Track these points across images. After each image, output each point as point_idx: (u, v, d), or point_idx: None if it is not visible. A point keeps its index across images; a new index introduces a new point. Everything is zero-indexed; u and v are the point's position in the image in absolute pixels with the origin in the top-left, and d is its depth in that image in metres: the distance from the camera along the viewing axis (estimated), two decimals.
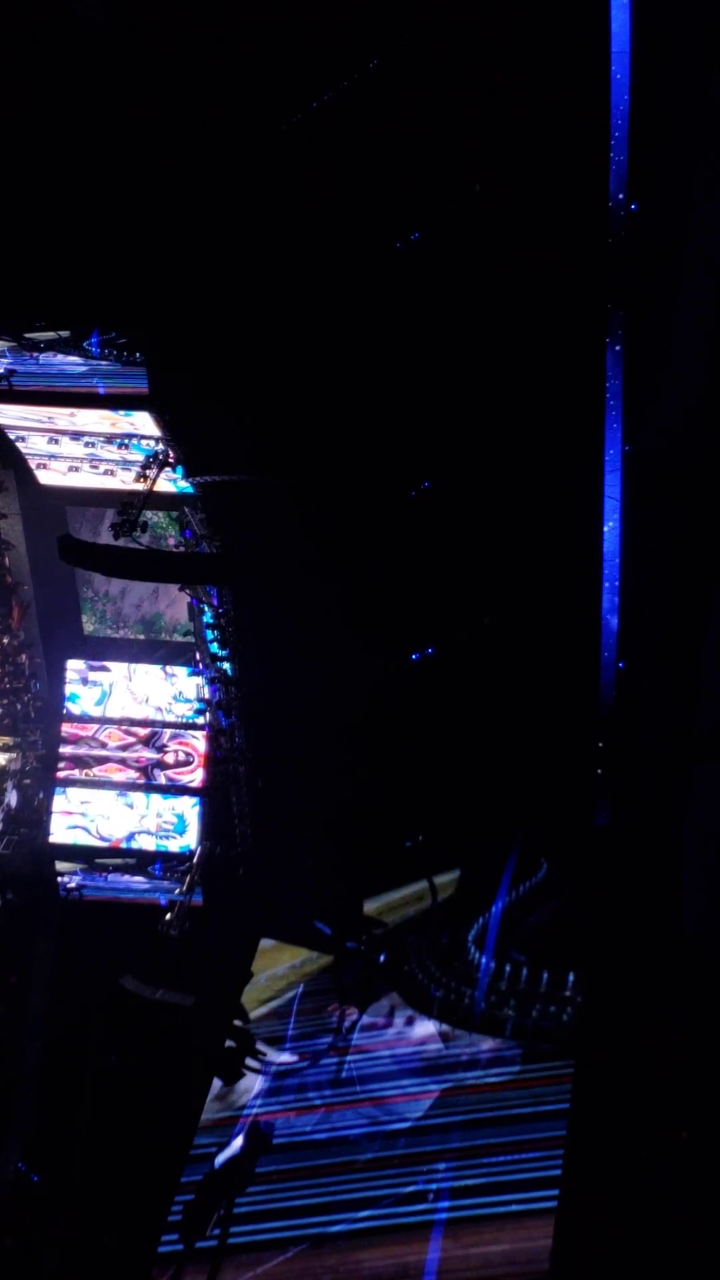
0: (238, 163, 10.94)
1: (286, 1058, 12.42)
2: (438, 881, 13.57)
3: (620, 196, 9.90)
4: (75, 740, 15.75)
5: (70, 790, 15.63)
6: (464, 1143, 10.69)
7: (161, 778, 15.51)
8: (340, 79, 10.38)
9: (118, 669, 15.82)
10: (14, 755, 15.75)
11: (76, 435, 14.08)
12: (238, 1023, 13.07)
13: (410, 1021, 12.24)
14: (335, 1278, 10.03)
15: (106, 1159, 12.76)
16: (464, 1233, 9.92)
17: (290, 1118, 11.43)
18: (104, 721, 15.77)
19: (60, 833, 15.52)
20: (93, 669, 15.85)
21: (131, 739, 15.68)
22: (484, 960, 12.40)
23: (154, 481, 13.33)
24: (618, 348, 10.63)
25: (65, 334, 12.54)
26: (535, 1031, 11.51)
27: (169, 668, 15.70)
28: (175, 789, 15.45)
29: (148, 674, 15.75)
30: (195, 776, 15.41)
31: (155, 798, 15.47)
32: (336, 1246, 10.16)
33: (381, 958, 13.06)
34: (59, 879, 15.44)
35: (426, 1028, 12.08)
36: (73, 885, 15.37)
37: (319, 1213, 10.47)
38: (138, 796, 15.53)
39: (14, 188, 11.39)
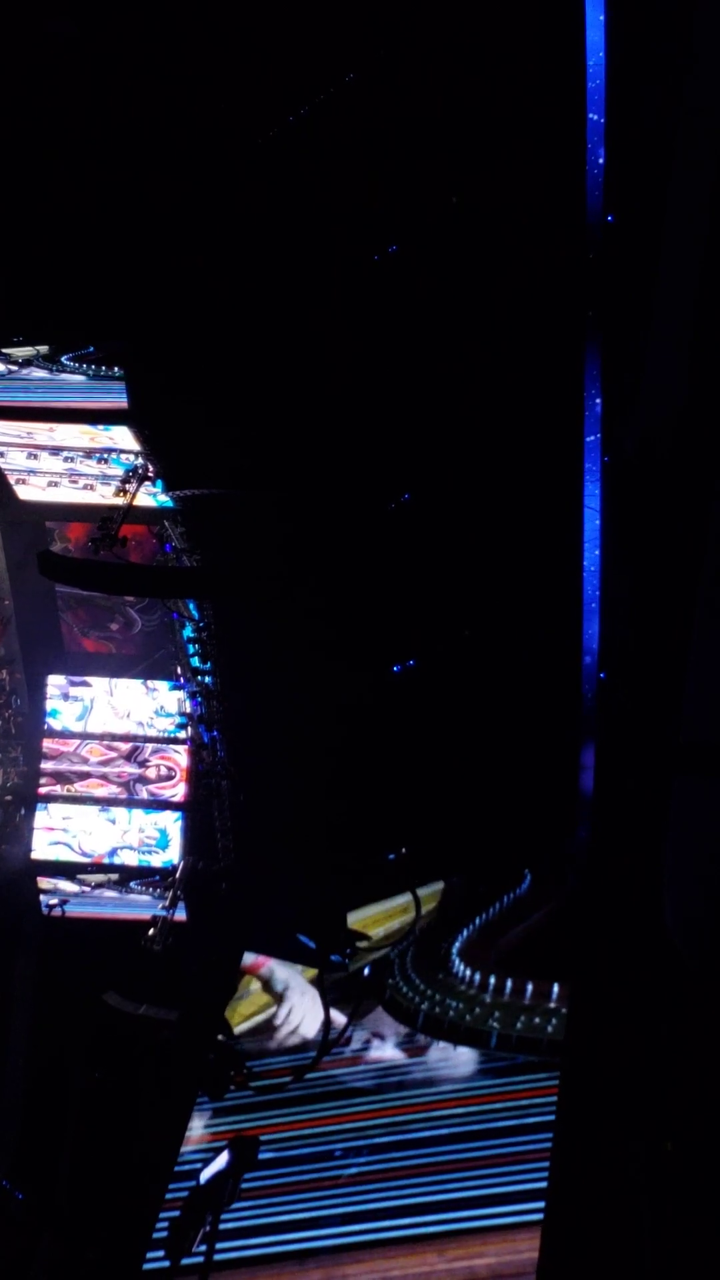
0: (217, 176, 10.98)
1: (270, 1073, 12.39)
2: (421, 893, 13.55)
3: (598, 205, 9.97)
4: (56, 756, 15.67)
5: (52, 806, 15.53)
6: (449, 1156, 10.67)
7: (143, 792, 15.45)
8: (317, 92, 10.43)
9: (99, 684, 15.74)
10: None
11: (55, 450, 14.04)
12: (222, 1037, 13.02)
13: (394, 1034, 12.21)
14: None
15: (91, 1176, 12.69)
16: (450, 1245, 9.88)
17: (275, 1132, 11.38)
18: (85, 737, 15.69)
19: (42, 849, 15.42)
20: (74, 684, 15.78)
21: (113, 754, 15.61)
22: (468, 972, 12.39)
23: (134, 496, 13.32)
24: (595, 358, 10.69)
25: (44, 349, 12.55)
26: (520, 1043, 11.50)
27: (150, 682, 15.64)
28: (157, 804, 15.38)
29: (129, 689, 15.69)
30: (177, 791, 15.35)
31: (137, 813, 15.40)
32: (322, 1261, 10.11)
33: (366, 971, 13.04)
34: (41, 896, 15.36)
35: (411, 1041, 12.05)
36: (55, 902, 15.28)
37: (305, 1228, 10.42)
38: (120, 812, 15.46)
39: None
